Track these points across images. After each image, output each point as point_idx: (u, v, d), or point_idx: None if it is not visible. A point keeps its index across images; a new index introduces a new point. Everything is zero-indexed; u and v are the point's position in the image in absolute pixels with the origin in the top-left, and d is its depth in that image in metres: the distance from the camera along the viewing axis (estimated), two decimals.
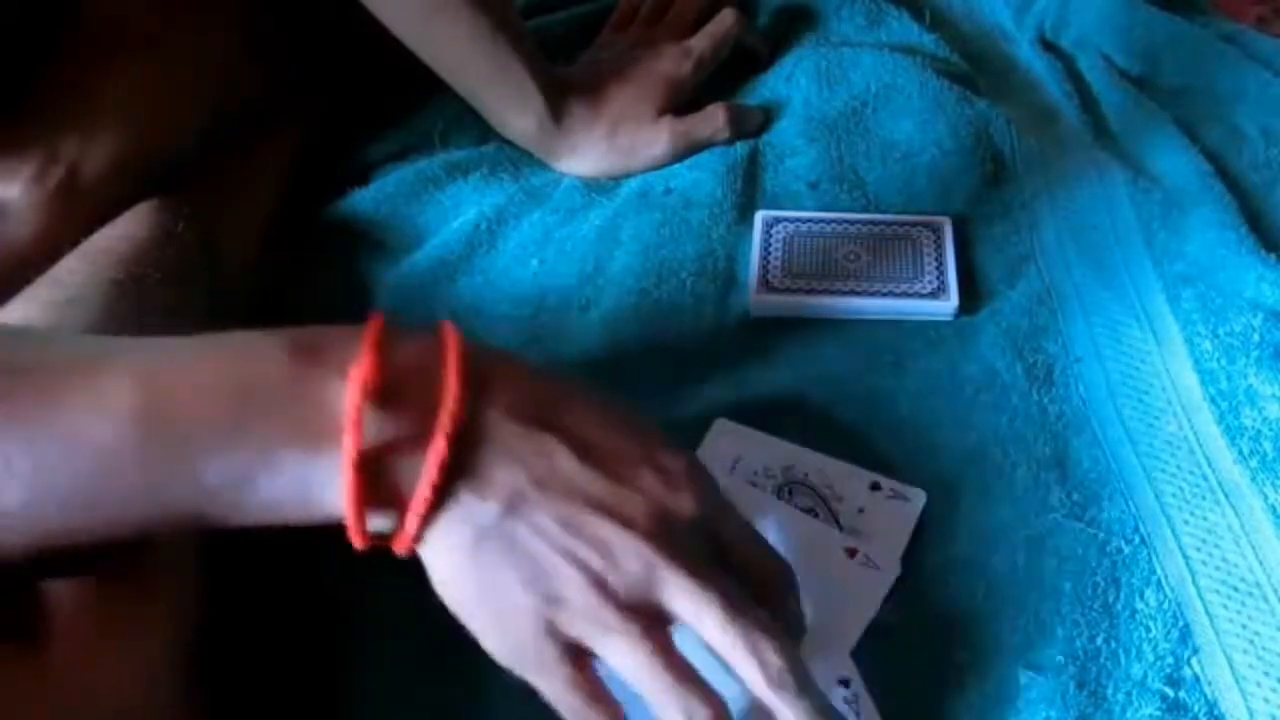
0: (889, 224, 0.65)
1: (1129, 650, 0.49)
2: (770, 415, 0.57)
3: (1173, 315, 0.61)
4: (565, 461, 0.40)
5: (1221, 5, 0.83)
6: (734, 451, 0.56)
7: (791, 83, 0.74)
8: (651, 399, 0.58)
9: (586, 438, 0.41)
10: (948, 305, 0.61)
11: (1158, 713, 0.47)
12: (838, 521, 0.53)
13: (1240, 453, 0.55)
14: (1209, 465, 0.55)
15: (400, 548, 0.39)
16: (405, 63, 0.67)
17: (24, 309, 0.53)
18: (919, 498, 0.54)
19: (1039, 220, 0.67)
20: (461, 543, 0.39)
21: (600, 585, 0.39)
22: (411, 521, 0.38)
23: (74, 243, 0.57)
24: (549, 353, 0.61)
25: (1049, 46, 0.79)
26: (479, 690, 0.48)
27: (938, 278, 0.62)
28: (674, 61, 0.72)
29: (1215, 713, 0.47)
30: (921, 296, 0.62)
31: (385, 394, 0.38)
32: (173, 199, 0.60)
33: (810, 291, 0.62)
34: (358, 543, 0.38)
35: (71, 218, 0.57)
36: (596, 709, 0.40)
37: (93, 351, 0.39)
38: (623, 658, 0.39)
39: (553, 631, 0.39)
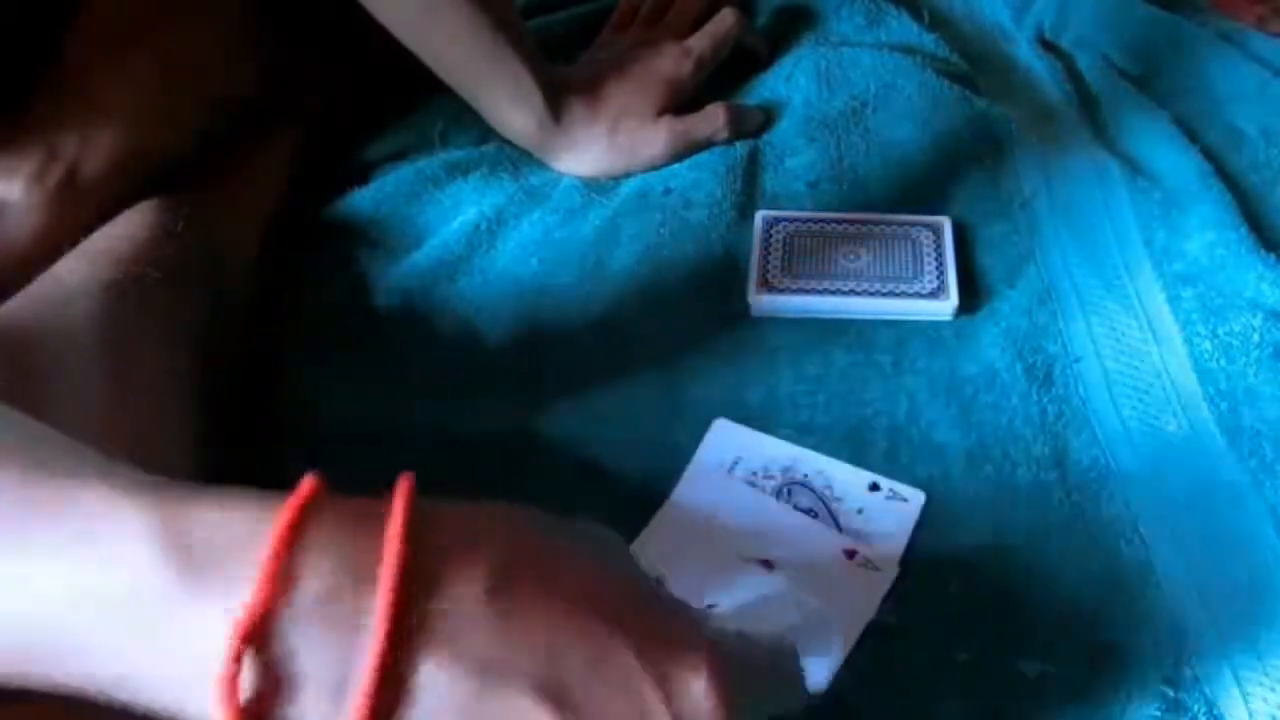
0: (889, 224, 0.65)
1: (1129, 650, 0.49)
2: (770, 415, 0.57)
3: (1172, 315, 0.61)
4: None
5: (1221, 5, 0.83)
6: (733, 451, 0.56)
7: (791, 83, 0.74)
8: (651, 398, 0.58)
9: (568, 683, 0.30)
10: (948, 305, 0.61)
11: (1157, 713, 0.47)
12: (836, 522, 0.53)
13: (1240, 453, 0.55)
14: (1209, 465, 0.55)
15: None
16: (405, 63, 0.67)
17: (23, 308, 0.53)
18: (918, 499, 0.54)
19: (1039, 220, 0.67)
20: None
21: None
22: None
23: (74, 242, 0.57)
24: (548, 353, 0.61)
25: (1048, 46, 0.79)
26: None
27: (937, 278, 0.62)
28: (674, 61, 0.72)
29: (1215, 712, 0.47)
30: (921, 296, 0.62)
31: (281, 632, 0.28)
32: (173, 199, 0.60)
33: (810, 291, 0.62)
34: None
35: (71, 217, 0.57)
36: None
37: None
38: None
39: None
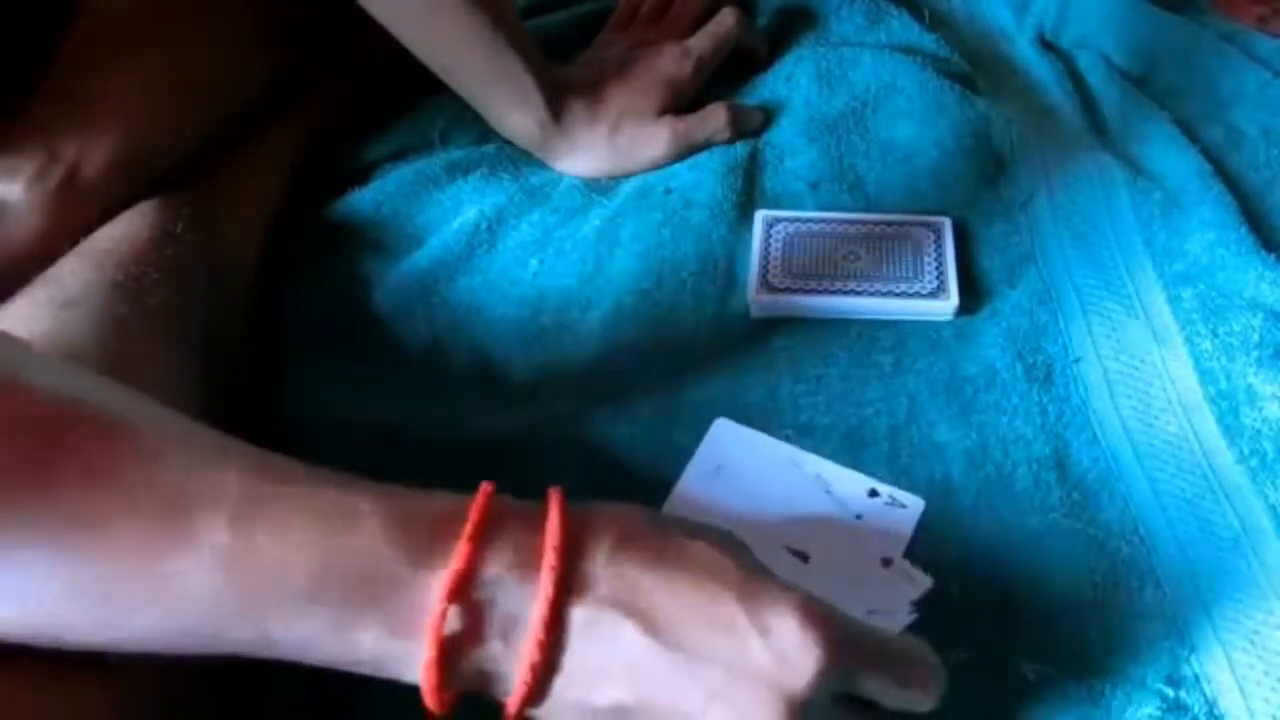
0: (889, 224, 0.65)
1: (1129, 650, 0.49)
2: (770, 415, 0.57)
3: (1173, 315, 0.61)
4: (664, 662, 0.38)
5: (1221, 5, 0.83)
6: (733, 452, 0.56)
7: (791, 83, 0.74)
8: (651, 399, 0.58)
9: (689, 632, 0.38)
10: (948, 305, 0.61)
11: (1157, 712, 0.47)
12: None
13: (1240, 453, 0.55)
14: (1209, 465, 0.55)
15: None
16: (405, 63, 0.67)
17: (23, 309, 0.53)
18: (917, 505, 0.53)
19: (1039, 220, 0.67)
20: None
21: None
22: (511, 709, 0.38)
23: (74, 243, 0.57)
24: (549, 353, 0.61)
25: (1049, 46, 0.79)
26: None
27: (938, 278, 0.62)
28: (674, 61, 0.72)
29: (1215, 712, 0.47)
30: (921, 296, 0.62)
31: (477, 589, 0.37)
32: (173, 199, 0.60)
33: (810, 291, 0.62)
34: (436, 710, 0.38)
35: (71, 217, 0.57)
36: None
37: (190, 473, 0.37)
38: None
39: None
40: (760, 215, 0.66)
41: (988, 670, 0.48)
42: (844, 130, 0.70)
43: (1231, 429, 0.56)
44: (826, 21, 0.79)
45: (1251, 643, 0.49)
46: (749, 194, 0.68)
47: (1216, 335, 0.59)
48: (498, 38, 0.65)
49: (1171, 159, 0.69)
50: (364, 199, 0.69)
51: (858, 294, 0.62)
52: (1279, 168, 0.69)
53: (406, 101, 0.75)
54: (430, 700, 0.37)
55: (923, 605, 0.49)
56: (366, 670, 0.38)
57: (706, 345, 0.61)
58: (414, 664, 0.37)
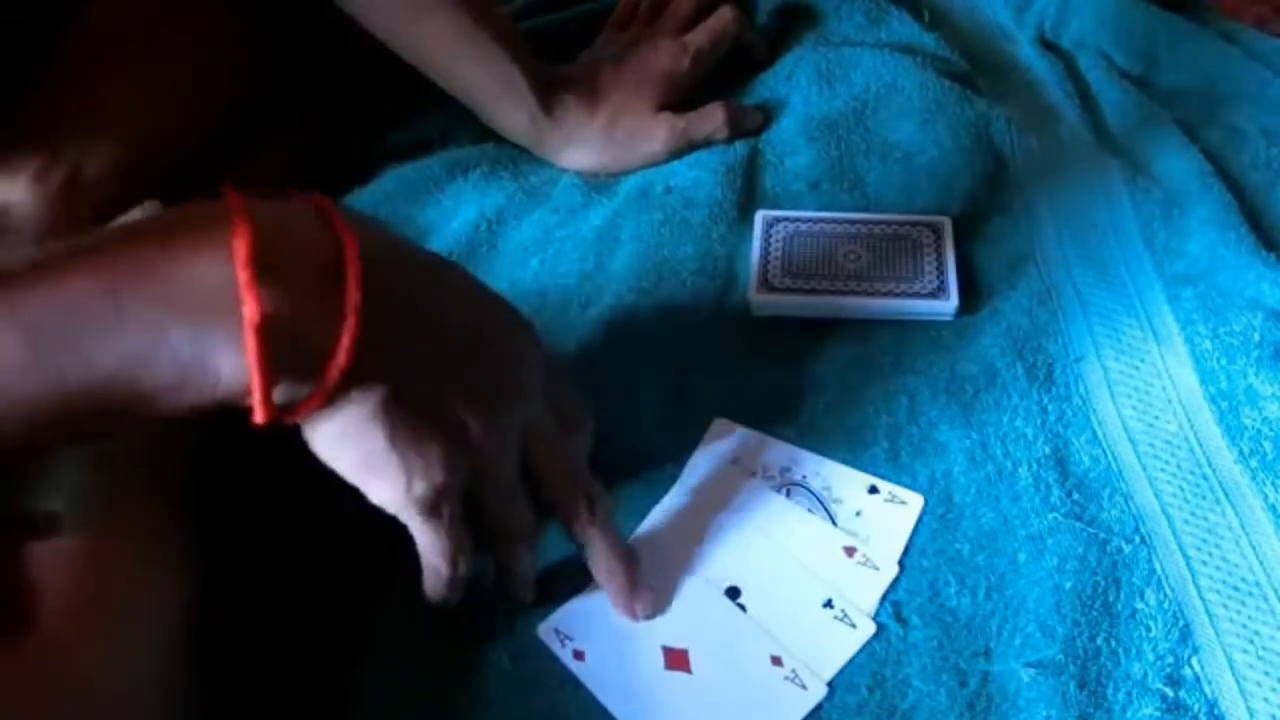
0: (889, 224, 0.65)
1: (1129, 650, 0.49)
2: (770, 415, 0.57)
3: (1173, 315, 0.61)
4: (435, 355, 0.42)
5: (1221, 5, 0.83)
6: (733, 452, 0.56)
7: (791, 82, 0.74)
8: (651, 399, 0.58)
9: (457, 330, 0.44)
10: (948, 305, 0.61)
11: (1158, 713, 0.47)
12: (834, 524, 0.53)
13: (1240, 453, 0.55)
14: (1209, 465, 0.55)
15: (309, 409, 0.40)
16: (404, 63, 0.67)
17: None
18: (917, 503, 0.54)
19: (1039, 220, 0.67)
20: (360, 410, 0.41)
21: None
22: (332, 375, 0.39)
23: None
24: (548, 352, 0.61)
25: (1049, 46, 0.79)
26: (477, 690, 0.48)
27: (938, 278, 0.62)
28: (672, 56, 0.72)
29: (1215, 713, 0.47)
30: (921, 296, 0.62)
31: (266, 260, 0.37)
32: (175, 200, 0.60)
33: (810, 291, 0.62)
34: (262, 415, 0.38)
35: (73, 218, 0.57)
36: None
37: None
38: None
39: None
40: (760, 215, 0.66)
41: (987, 670, 0.48)
42: (844, 130, 0.71)
43: (1231, 429, 0.56)
44: (826, 21, 0.79)
45: (1251, 643, 0.49)
46: (749, 194, 0.68)
47: (1216, 335, 0.59)
48: (481, 37, 0.65)
49: (1171, 159, 0.69)
50: (364, 199, 0.69)
51: (858, 294, 0.62)
52: (1279, 168, 0.69)
53: (407, 101, 0.75)
54: (258, 387, 0.37)
55: (890, 597, 0.50)
56: (195, 393, 0.38)
57: (706, 345, 0.61)
58: (232, 350, 0.37)
